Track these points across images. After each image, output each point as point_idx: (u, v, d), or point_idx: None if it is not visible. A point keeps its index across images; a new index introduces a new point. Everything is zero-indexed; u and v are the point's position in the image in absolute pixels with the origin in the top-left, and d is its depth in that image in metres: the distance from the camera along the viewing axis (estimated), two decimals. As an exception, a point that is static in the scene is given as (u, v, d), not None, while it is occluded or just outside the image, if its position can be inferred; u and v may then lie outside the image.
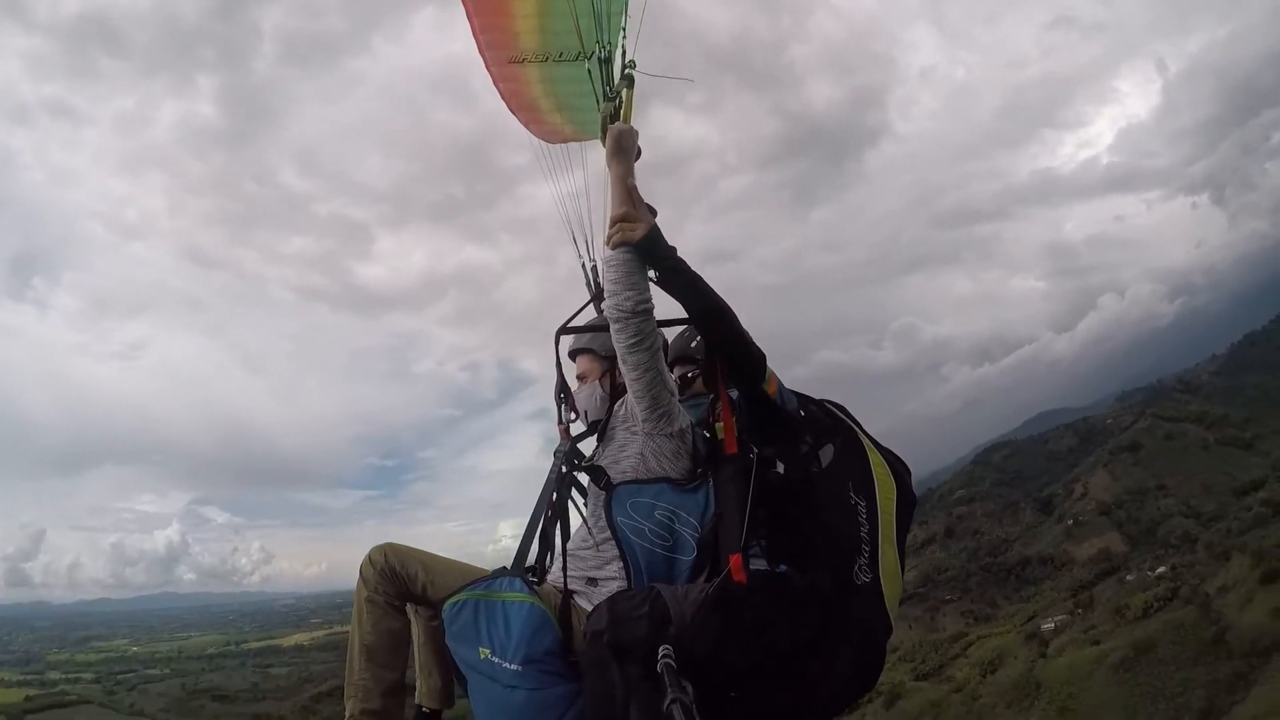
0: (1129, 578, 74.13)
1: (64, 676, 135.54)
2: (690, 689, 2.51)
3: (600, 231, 3.86)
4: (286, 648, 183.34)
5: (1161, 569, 69.78)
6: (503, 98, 4.90)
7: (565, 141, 4.83)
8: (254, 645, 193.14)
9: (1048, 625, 68.63)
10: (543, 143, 4.89)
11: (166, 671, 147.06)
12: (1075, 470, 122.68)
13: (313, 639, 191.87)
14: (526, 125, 4.99)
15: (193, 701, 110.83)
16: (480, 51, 4.67)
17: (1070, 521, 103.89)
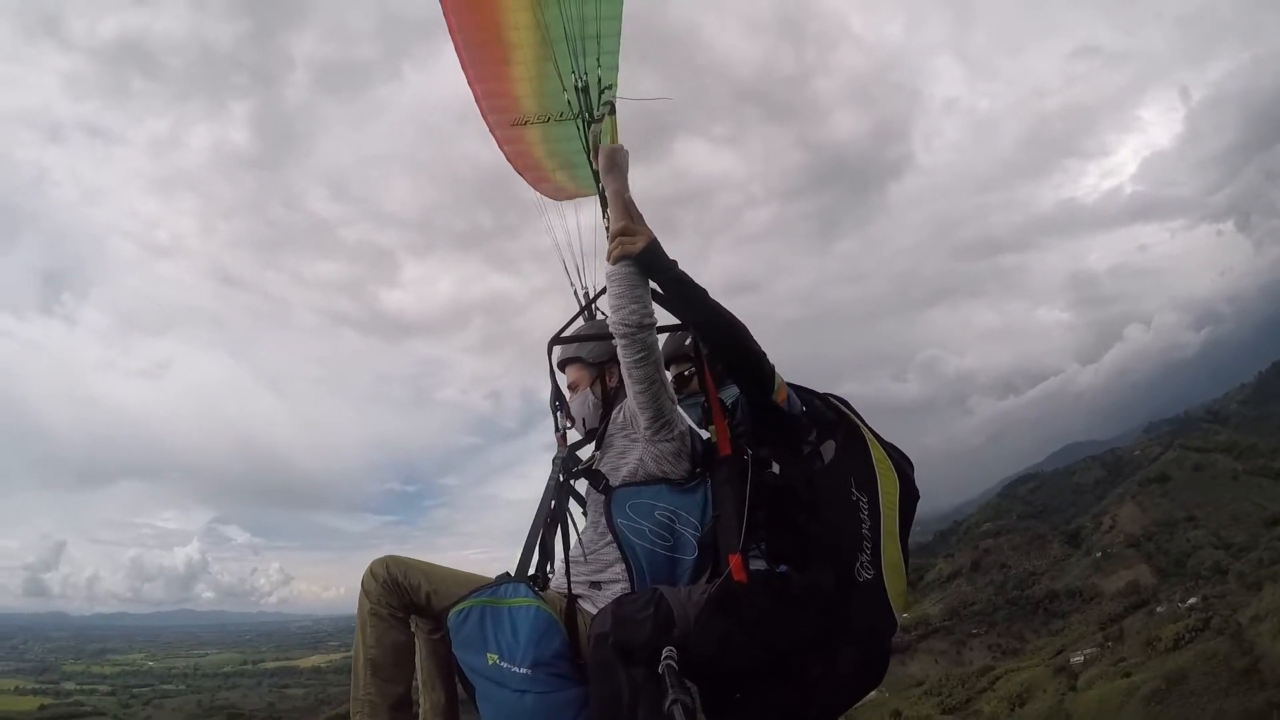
0: (1159, 609, 72.62)
1: (79, 688, 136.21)
2: (694, 690, 2.55)
3: (591, 259, 4.08)
4: (304, 669, 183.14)
5: (1192, 600, 68.39)
6: (508, 159, 5.05)
7: (570, 198, 5.01)
8: (271, 665, 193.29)
9: (1077, 658, 67.35)
10: (541, 195, 5.12)
11: (182, 687, 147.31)
12: (1103, 503, 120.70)
13: (330, 661, 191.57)
14: (533, 185, 5.17)
15: (208, 718, 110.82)
16: (484, 116, 4.80)
17: (1099, 554, 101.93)
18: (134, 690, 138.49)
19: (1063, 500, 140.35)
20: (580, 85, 4.07)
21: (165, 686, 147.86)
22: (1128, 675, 53.61)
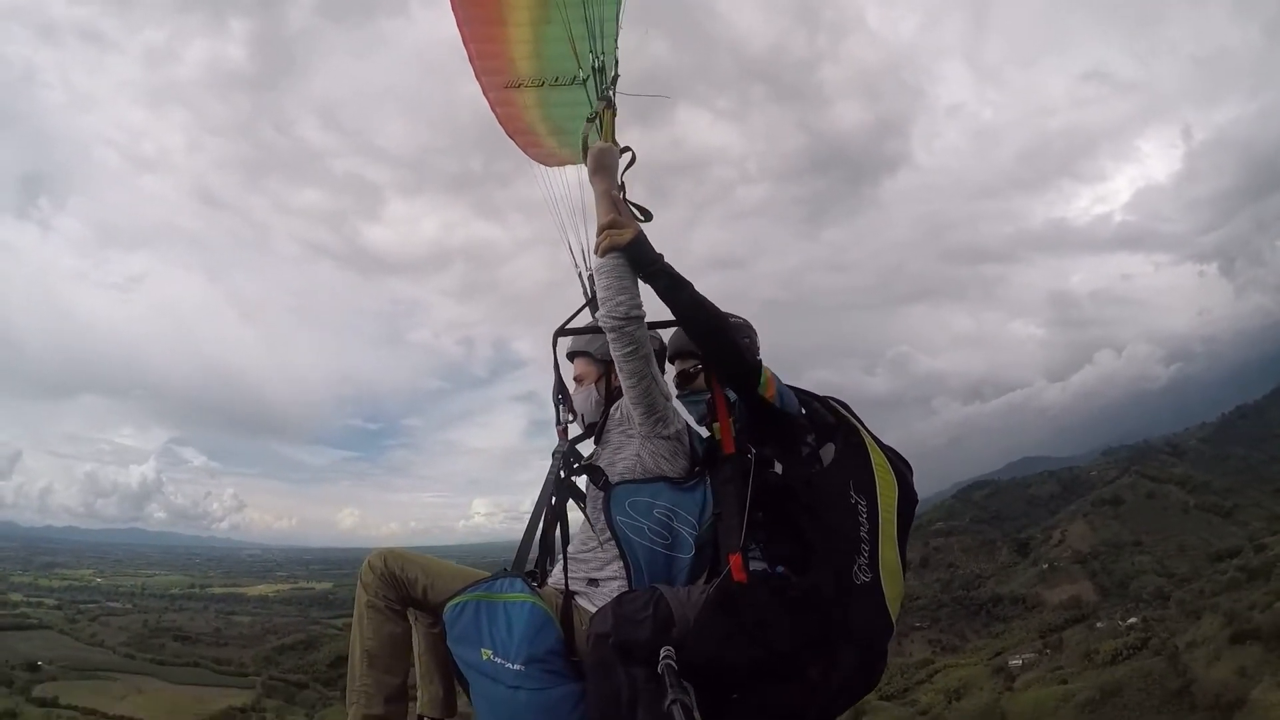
0: (1099, 625, 75.53)
1: (26, 599, 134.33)
2: (692, 690, 2.57)
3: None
4: (251, 597, 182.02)
5: (1132, 620, 71.36)
6: (500, 122, 4.92)
7: (562, 165, 4.86)
8: (218, 591, 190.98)
9: (1015, 661, 69.95)
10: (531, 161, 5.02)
11: (129, 606, 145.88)
12: (1055, 517, 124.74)
13: (277, 591, 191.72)
14: (524, 149, 5.03)
15: (154, 639, 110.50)
16: (477, 77, 4.68)
17: (1045, 566, 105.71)
18: (81, 606, 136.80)
19: (1016, 510, 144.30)
20: (598, 65, 3.97)
21: (112, 604, 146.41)
22: (1064, 682, 55.99)
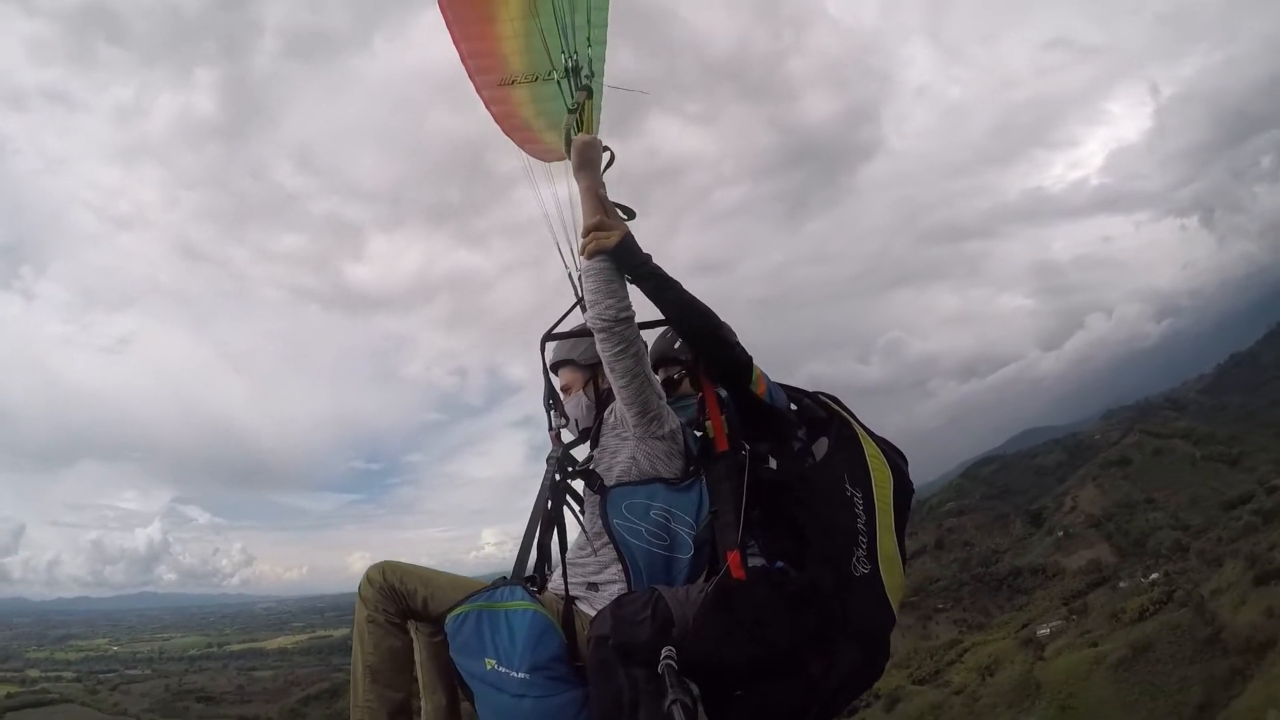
0: (1122, 585, 75.46)
1: (44, 675, 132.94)
2: (695, 689, 2.59)
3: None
4: (270, 651, 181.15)
5: (1154, 575, 71.30)
6: (496, 120, 4.92)
7: (559, 159, 4.80)
8: (236, 647, 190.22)
9: (1043, 631, 69.74)
10: (530, 158, 4.99)
11: (148, 672, 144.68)
12: (1064, 484, 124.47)
13: (296, 642, 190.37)
14: (521, 145, 5.02)
15: (177, 702, 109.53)
16: (470, 77, 4.68)
17: (1060, 533, 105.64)
18: (100, 676, 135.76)
19: (1024, 482, 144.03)
20: (570, 65, 3.98)
21: (131, 671, 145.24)
22: (1094, 645, 55.93)
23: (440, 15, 4.32)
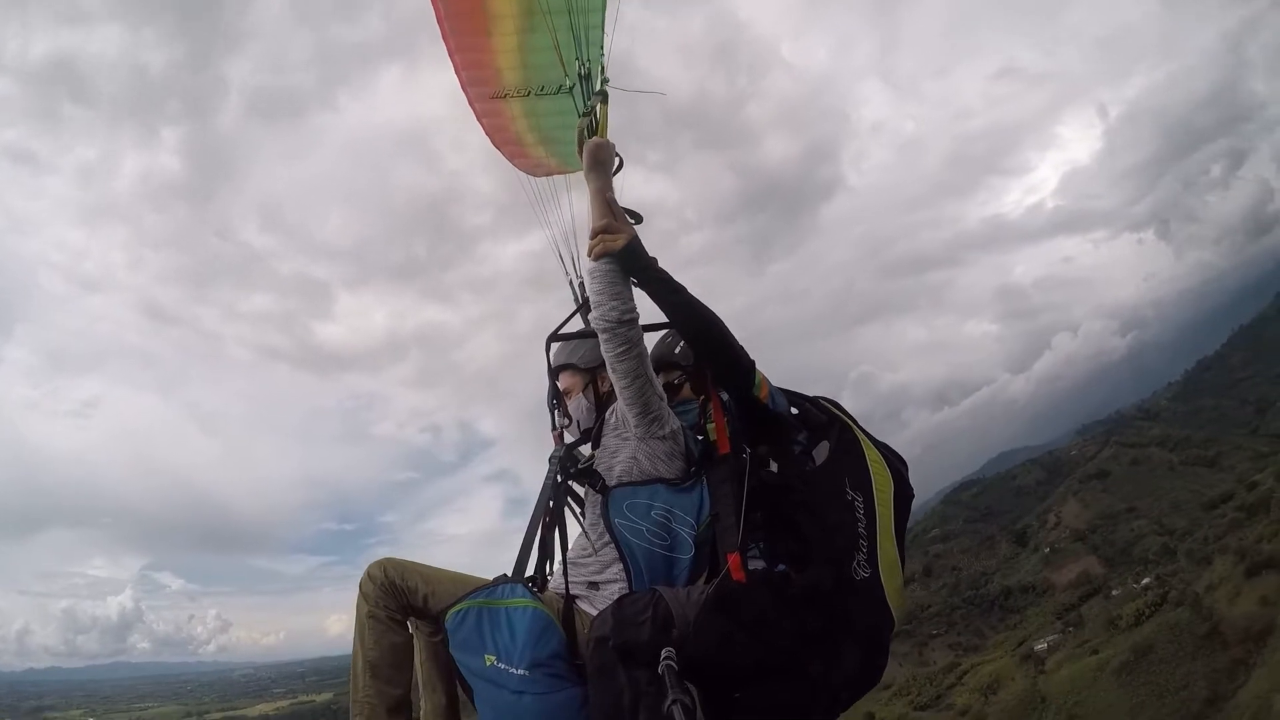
0: (1115, 593, 75.62)
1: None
2: (694, 690, 2.58)
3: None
4: (252, 717, 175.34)
5: (1146, 580, 71.55)
6: (486, 133, 4.91)
7: (549, 174, 4.93)
8: (216, 716, 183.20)
9: (1040, 646, 69.66)
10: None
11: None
12: (1046, 502, 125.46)
13: (277, 709, 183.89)
14: (511, 160, 5.02)
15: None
16: (462, 88, 4.68)
17: (1047, 550, 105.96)
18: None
19: (1006, 503, 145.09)
20: (584, 72, 3.98)
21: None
22: (1096, 653, 55.90)
23: (437, 27, 4.35)
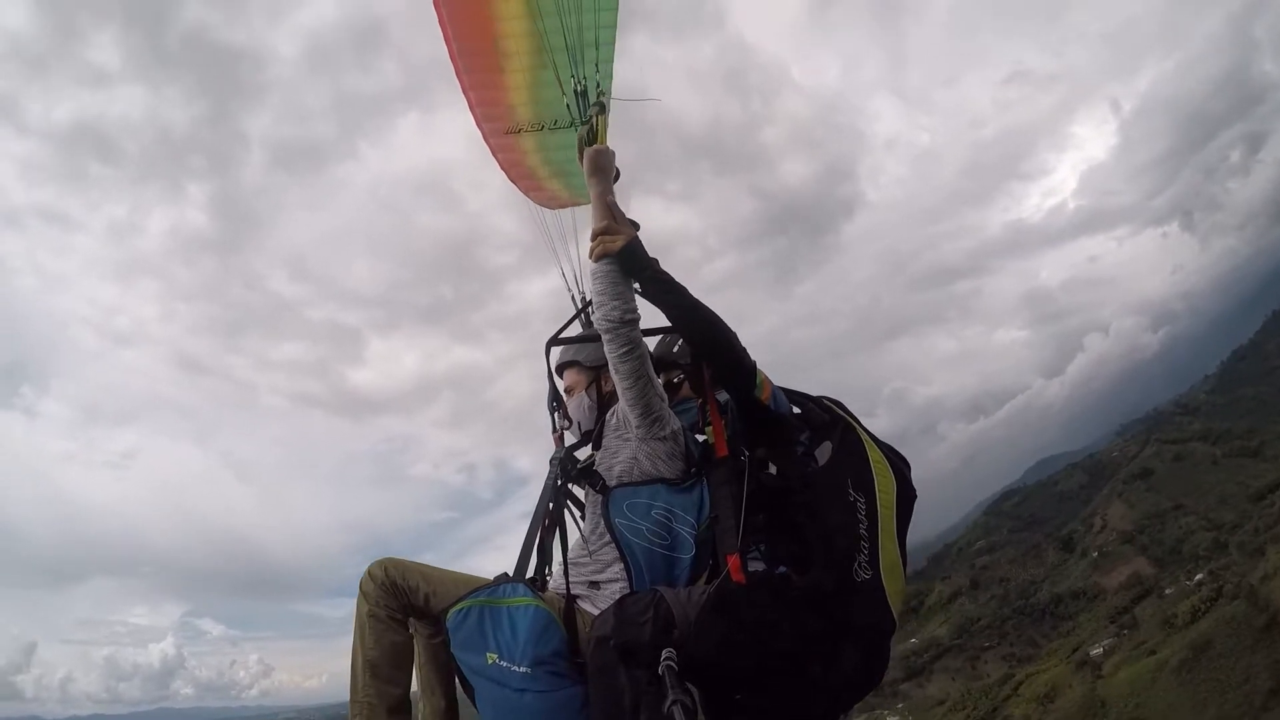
0: (1168, 592, 73.89)
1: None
2: (695, 691, 2.59)
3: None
4: None
5: (1199, 576, 69.87)
6: (501, 168, 5.03)
7: (563, 207, 5.06)
8: None
9: (1096, 651, 67.99)
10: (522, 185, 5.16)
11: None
12: (1090, 505, 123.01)
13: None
14: (526, 193, 5.14)
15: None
16: (477, 124, 4.79)
17: (1095, 554, 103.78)
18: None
19: (1049, 509, 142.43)
20: (579, 90, 4.09)
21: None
22: (1153, 653, 54.60)
23: (450, 64, 4.50)
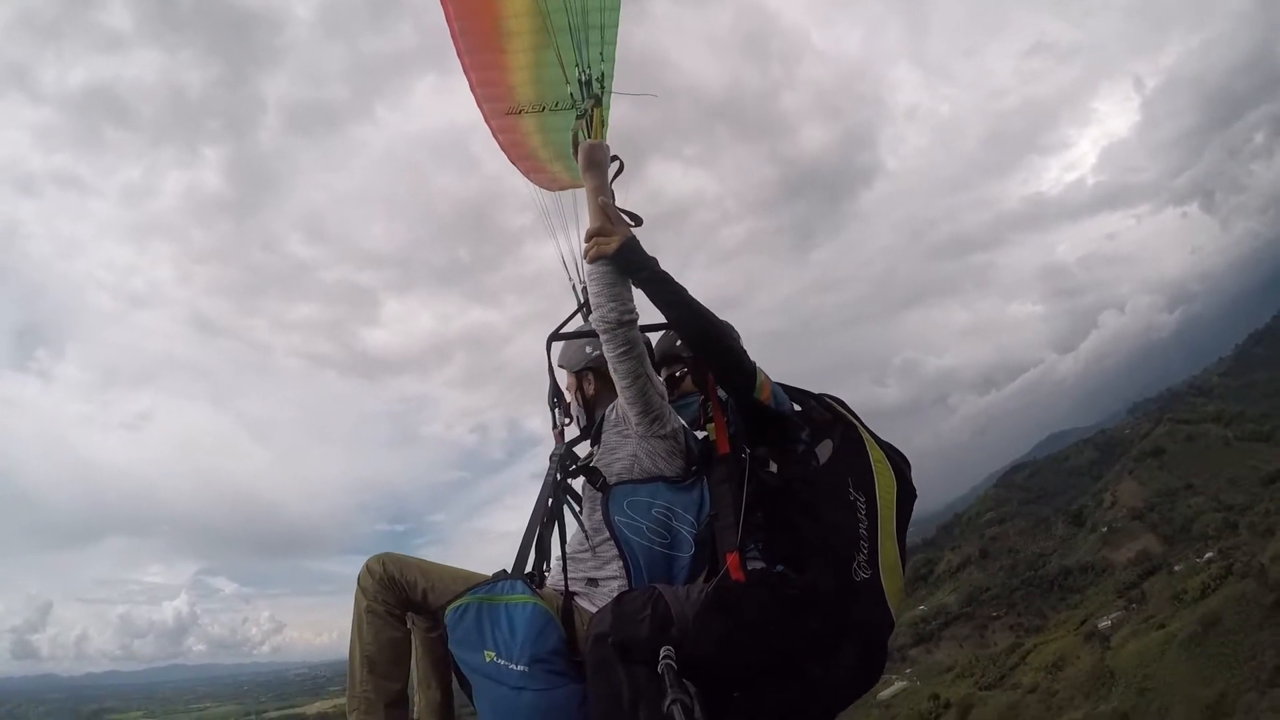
0: (1177, 568, 75.71)
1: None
2: (693, 690, 2.58)
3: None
4: (311, 716, 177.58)
5: (1209, 554, 71.82)
6: (502, 149, 4.94)
7: (564, 189, 4.93)
8: (274, 715, 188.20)
9: (1104, 623, 69.89)
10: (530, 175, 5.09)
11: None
12: (1101, 481, 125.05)
13: (335, 707, 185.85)
14: (526, 175, 5.04)
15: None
16: (478, 105, 4.71)
17: (1104, 529, 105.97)
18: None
19: (1060, 484, 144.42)
20: (584, 79, 4.00)
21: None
22: (1162, 627, 56.48)
23: (452, 45, 4.46)
